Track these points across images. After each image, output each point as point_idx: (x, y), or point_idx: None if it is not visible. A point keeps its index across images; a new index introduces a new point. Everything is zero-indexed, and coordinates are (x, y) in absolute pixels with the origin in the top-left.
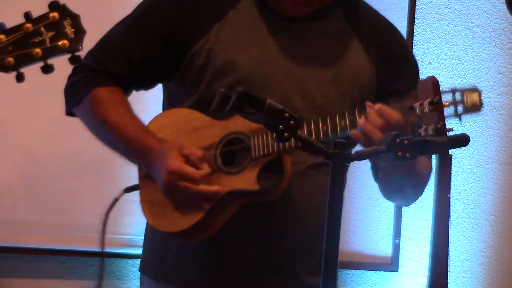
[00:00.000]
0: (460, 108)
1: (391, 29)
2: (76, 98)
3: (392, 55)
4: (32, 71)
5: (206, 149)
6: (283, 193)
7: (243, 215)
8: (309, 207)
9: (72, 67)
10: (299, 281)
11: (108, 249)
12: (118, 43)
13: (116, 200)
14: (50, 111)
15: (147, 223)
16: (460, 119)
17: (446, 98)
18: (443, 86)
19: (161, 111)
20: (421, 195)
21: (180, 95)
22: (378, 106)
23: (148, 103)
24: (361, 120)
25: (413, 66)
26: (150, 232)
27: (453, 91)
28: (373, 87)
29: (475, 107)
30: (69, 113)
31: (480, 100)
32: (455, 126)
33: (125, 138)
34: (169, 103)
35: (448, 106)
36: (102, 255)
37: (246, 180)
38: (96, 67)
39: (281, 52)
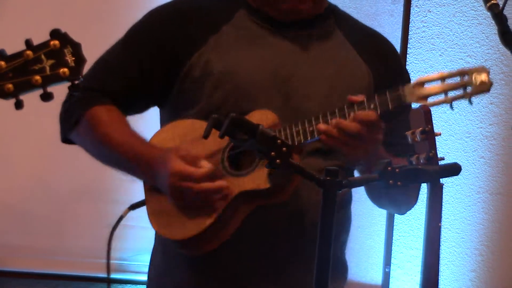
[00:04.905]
0: (469, 88)
1: (382, 37)
2: (72, 120)
3: (385, 58)
4: (35, 95)
5: (213, 155)
6: (291, 196)
7: (249, 226)
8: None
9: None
10: None
11: (114, 275)
12: (115, 62)
13: (121, 217)
14: (53, 134)
15: (155, 245)
16: (470, 101)
17: (454, 80)
18: (434, 115)
19: (158, 121)
20: (415, 203)
21: (179, 109)
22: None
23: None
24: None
25: (405, 73)
26: (156, 255)
27: (461, 72)
28: (371, 89)
29: (484, 87)
30: (65, 140)
31: (489, 79)
32: (446, 155)
33: (127, 153)
34: (169, 120)
35: (439, 135)
36: (108, 281)
37: (256, 180)
38: (91, 86)
39: (279, 59)
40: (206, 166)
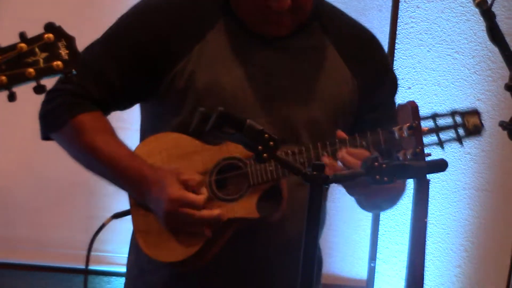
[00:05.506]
0: (461, 131)
1: (369, 39)
2: (56, 124)
3: (371, 65)
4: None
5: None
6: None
7: (233, 244)
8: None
9: (46, 92)
10: None
11: (92, 267)
12: (97, 66)
13: (103, 225)
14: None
15: (132, 243)
16: (461, 143)
17: (445, 121)
18: (422, 111)
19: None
20: (404, 191)
21: (162, 114)
22: (343, 152)
23: (127, 121)
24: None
25: (391, 76)
26: (134, 254)
27: (453, 113)
28: (355, 100)
29: (477, 130)
30: (45, 137)
31: (481, 122)
32: (433, 152)
33: (114, 167)
34: (150, 122)
35: (427, 131)
36: (86, 273)
37: (246, 207)
38: (75, 91)
39: (264, 72)
40: (205, 193)
